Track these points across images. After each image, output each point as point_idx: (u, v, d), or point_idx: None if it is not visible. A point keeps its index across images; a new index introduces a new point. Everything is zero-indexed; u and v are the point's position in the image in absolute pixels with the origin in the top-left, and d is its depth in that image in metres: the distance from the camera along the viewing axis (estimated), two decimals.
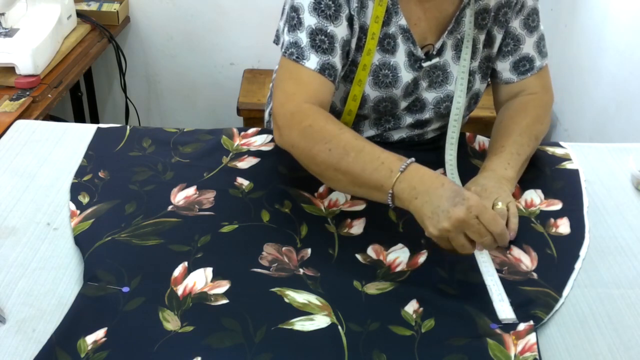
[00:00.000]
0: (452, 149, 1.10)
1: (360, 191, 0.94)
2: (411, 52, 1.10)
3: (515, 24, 1.14)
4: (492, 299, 0.87)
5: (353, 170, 0.92)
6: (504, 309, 0.86)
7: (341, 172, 0.93)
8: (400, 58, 1.09)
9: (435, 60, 1.11)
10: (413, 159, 0.91)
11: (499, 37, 1.14)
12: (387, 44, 1.08)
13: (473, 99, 1.17)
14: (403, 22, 1.07)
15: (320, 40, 1.02)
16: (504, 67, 1.17)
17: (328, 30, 1.03)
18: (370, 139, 1.16)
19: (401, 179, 0.88)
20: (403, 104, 1.14)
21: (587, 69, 1.90)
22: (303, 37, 1.03)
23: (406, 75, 1.10)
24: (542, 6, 1.18)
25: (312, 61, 1.02)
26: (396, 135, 1.19)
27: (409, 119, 1.16)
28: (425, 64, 1.10)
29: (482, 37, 1.13)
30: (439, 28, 1.11)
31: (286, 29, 1.05)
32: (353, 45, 1.07)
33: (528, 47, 1.15)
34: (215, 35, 2.33)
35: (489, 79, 1.21)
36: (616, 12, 1.78)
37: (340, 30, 1.04)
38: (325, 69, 1.02)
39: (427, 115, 1.16)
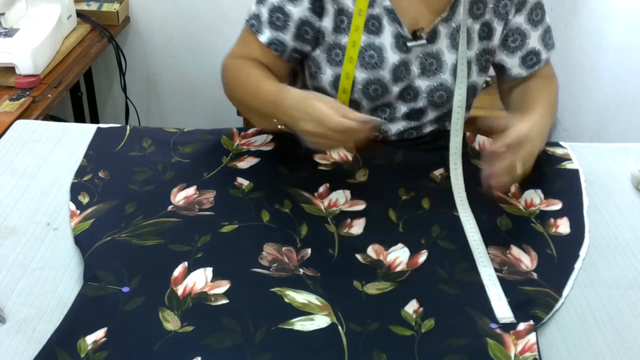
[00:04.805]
0: (457, 136, 1.11)
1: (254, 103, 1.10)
2: (399, 34, 1.11)
3: (520, 20, 1.16)
4: (490, 298, 0.88)
5: (237, 83, 1.13)
6: (502, 308, 0.86)
7: (240, 89, 1.13)
8: (386, 39, 1.11)
9: (421, 42, 1.12)
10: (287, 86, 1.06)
11: (498, 29, 1.16)
12: (371, 25, 1.10)
13: (471, 92, 1.18)
14: (387, 3, 1.10)
15: (277, 18, 1.10)
16: (513, 64, 1.19)
17: (285, 9, 1.09)
18: None
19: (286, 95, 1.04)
20: (394, 89, 1.14)
21: (587, 69, 1.90)
22: (264, 12, 1.11)
23: (392, 57, 1.11)
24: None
25: (265, 35, 1.12)
26: (393, 128, 1.19)
27: (403, 108, 1.17)
28: (410, 44, 1.11)
29: (476, 27, 1.14)
30: (433, 14, 1.12)
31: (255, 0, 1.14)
32: (329, 26, 1.10)
33: (534, 41, 1.18)
34: (215, 35, 2.33)
35: (498, 75, 1.24)
36: (617, 12, 1.78)
37: (298, 11, 1.09)
38: (272, 44, 1.11)
39: (421, 104, 1.16)
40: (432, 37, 1.13)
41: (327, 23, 1.11)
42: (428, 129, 1.21)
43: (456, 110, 1.13)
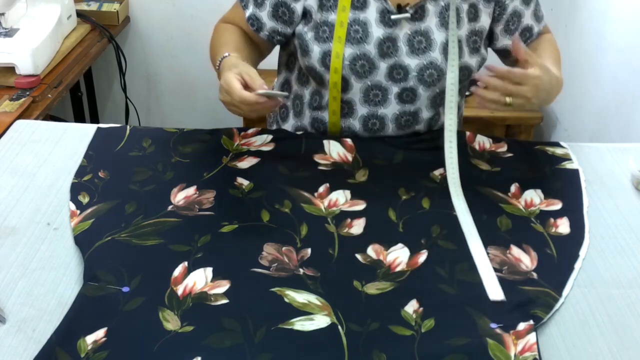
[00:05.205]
0: (451, 113, 1.14)
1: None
2: (384, 9, 1.15)
3: (517, 3, 1.22)
4: (482, 278, 0.90)
5: (212, 48, 1.26)
6: (493, 289, 0.88)
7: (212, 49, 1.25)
8: (371, 14, 1.15)
9: (405, 15, 1.15)
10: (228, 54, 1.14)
11: (484, 11, 1.19)
12: (356, 2, 1.15)
13: (465, 74, 1.20)
14: None
15: None
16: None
17: None
18: (366, 118, 1.21)
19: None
20: (382, 65, 1.16)
21: (587, 69, 1.90)
22: None
23: (377, 31, 1.15)
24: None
25: (249, 10, 1.21)
26: (389, 113, 1.20)
27: (394, 89, 1.18)
28: (394, 17, 1.14)
29: (465, 7, 1.18)
30: None
31: None
32: (314, 5, 1.16)
33: (527, 18, 1.24)
34: None
35: (503, 60, 1.29)
36: (617, 12, 1.78)
37: None
38: (250, 19, 1.22)
39: (411, 83, 1.18)
40: (421, 14, 1.16)
41: (311, 2, 1.16)
42: (424, 114, 1.22)
43: (449, 87, 1.15)
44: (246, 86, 1.04)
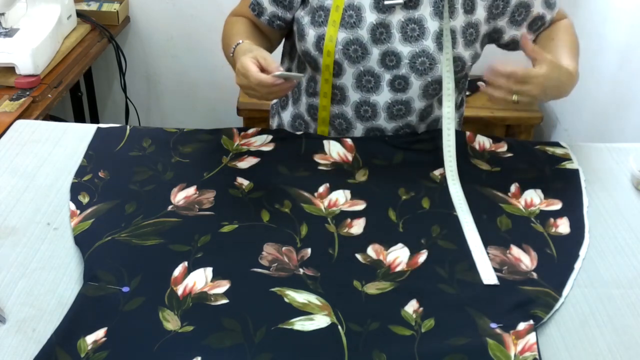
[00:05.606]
0: (449, 100, 1.15)
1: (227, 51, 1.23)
2: None
3: None
4: (475, 262, 0.93)
5: (224, 39, 1.26)
6: (486, 271, 0.90)
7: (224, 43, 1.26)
8: (365, 0, 1.16)
9: (398, 1, 1.15)
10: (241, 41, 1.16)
11: (481, 4, 1.19)
12: None
13: (458, 65, 1.19)
14: None
15: None
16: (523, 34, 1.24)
17: None
18: (358, 105, 1.22)
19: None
20: (374, 51, 1.17)
21: (587, 69, 1.90)
22: None
23: (370, 16, 1.16)
24: None
25: None
26: (381, 100, 1.21)
27: (387, 76, 1.19)
28: (387, 2, 1.15)
29: None
30: None
31: None
32: None
33: (537, 7, 1.22)
34: (215, 35, 2.30)
35: (513, 50, 1.27)
36: (617, 12, 1.78)
37: None
38: (252, 4, 1.24)
39: (403, 70, 1.18)
40: (415, 2, 1.16)
41: None
42: (417, 104, 1.22)
43: (445, 75, 1.16)
44: (262, 69, 1.06)
